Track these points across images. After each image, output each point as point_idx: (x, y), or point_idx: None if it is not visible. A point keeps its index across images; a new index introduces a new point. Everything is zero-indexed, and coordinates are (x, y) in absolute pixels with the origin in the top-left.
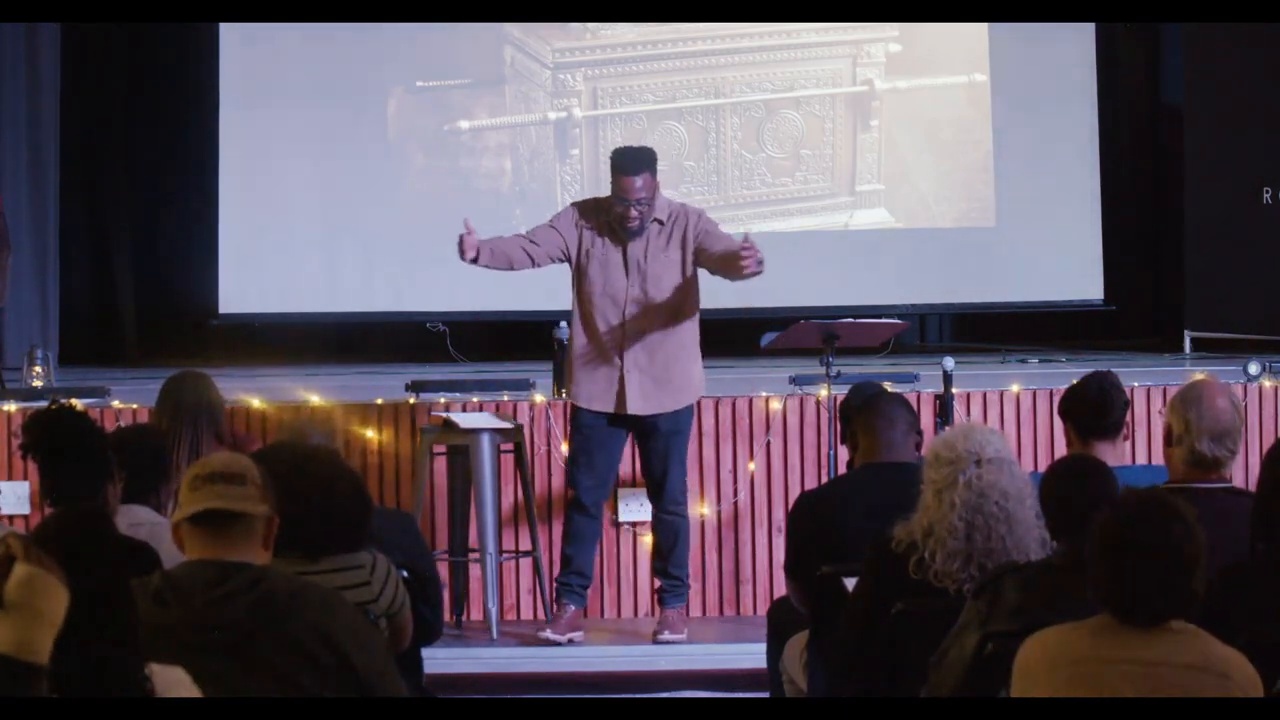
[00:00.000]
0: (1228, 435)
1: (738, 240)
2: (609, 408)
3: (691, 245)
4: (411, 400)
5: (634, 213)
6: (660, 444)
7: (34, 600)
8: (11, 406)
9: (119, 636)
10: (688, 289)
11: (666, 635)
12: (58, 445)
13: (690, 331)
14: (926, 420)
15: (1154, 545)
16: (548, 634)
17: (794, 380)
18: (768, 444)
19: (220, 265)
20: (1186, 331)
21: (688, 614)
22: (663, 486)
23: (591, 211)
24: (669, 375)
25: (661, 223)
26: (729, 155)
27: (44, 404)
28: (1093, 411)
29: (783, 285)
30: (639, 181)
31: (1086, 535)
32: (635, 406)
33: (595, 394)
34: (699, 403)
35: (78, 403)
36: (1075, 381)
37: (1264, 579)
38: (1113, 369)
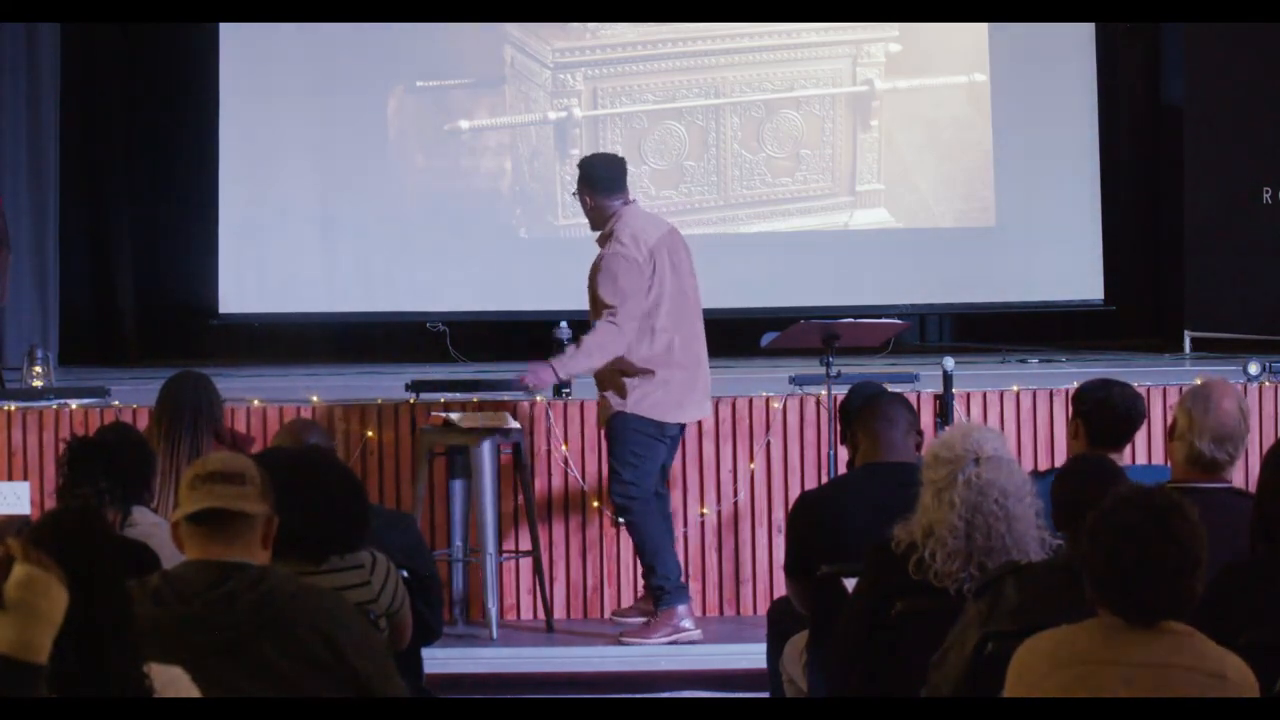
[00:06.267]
0: (1229, 439)
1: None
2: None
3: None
4: (411, 400)
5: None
6: None
7: (33, 600)
8: (11, 406)
9: (117, 636)
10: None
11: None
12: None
13: None
14: (926, 420)
15: (1156, 540)
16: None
17: (794, 380)
18: (768, 444)
19: (220, 265)
20: (1186, 331)
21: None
22: None
23: None
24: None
25: (601, 246)
26: (729, 155)
27: (46, 403)
28: (1114, 422)
29: (783, 285)
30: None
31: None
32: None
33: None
34: None
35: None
36: (1098, 381)
37: (1264, 580)
38: (1113, 369)
